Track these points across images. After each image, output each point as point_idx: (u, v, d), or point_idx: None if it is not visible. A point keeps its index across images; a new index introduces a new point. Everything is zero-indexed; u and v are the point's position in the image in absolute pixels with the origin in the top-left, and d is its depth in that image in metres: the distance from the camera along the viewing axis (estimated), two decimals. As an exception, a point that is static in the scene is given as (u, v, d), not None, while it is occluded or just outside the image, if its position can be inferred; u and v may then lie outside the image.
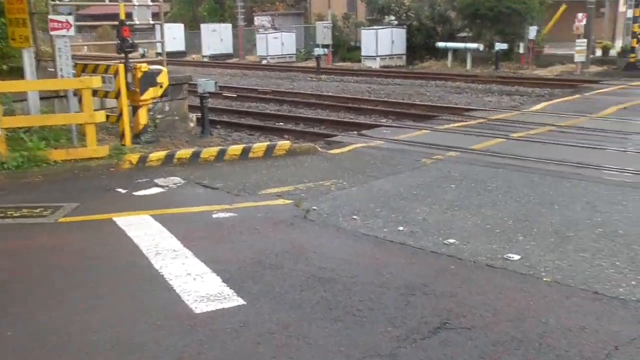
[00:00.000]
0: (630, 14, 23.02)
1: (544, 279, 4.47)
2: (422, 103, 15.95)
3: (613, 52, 25.79)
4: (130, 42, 9.36)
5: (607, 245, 5.11)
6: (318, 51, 25.33)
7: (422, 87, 19.85)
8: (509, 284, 4.42)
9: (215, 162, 8.58)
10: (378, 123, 12.81)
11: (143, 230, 5.67)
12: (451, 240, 5.29)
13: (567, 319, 3.88)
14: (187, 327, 3.84)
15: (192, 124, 11.03)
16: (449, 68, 26.28)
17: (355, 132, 11.52)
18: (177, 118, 10.78)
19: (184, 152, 8.68)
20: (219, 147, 9.04)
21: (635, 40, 20.75)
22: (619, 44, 28.91)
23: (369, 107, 15.63)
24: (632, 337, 3.65)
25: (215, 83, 10.36)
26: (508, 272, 4.61)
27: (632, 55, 20.83)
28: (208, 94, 10.28)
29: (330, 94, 18.46)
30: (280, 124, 13.41)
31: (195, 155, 8.66)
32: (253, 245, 5.27)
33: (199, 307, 4.10)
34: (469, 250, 5.06)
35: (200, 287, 4.41)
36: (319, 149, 9.43)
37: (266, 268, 4.75)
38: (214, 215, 6.15)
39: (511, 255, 4.92)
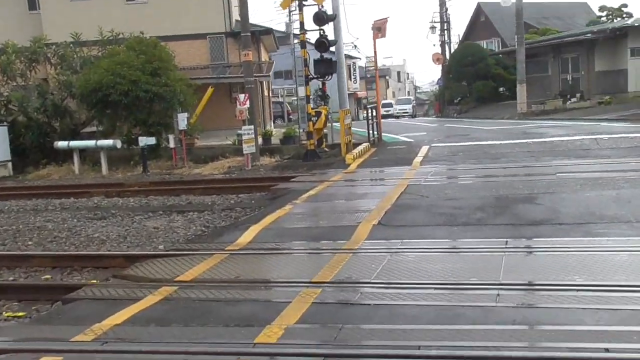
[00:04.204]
0: (302, 92, 19.71)
1: None
2: (40, 252, 8.88)
3: (274, 139, 22.37)
4: None
5: None
6: None
7: (40, 214, 12.66)
8: None
9: None
10: None
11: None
12: None
13: None
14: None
15: None
16: (77, 175, 19.46)
17: None
18: None
19: None
20: None
21: (311, 123, 17.04)
22: (270, 130, 26.03)
23: None
24: None
25: None
26: None
27: (311, 141, 17.02)
28: None
29: None
30: None
31: None
32: None
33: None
34: None
35: None
36: None
37: None
38: None
39: None
